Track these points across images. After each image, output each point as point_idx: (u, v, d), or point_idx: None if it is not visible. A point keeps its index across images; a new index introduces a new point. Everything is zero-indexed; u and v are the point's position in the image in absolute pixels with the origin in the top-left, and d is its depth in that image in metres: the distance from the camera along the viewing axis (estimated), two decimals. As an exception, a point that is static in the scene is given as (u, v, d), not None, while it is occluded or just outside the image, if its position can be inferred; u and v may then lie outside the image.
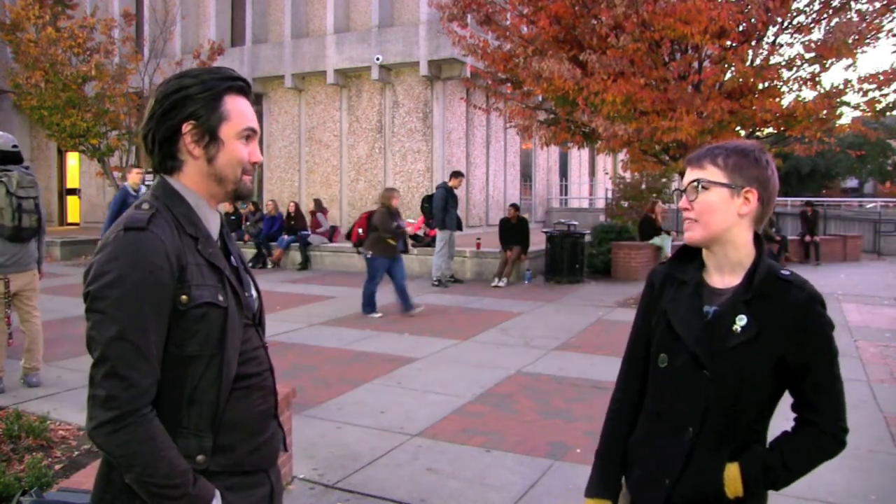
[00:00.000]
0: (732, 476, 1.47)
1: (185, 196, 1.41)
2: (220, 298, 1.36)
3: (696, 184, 1.53)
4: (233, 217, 14.44)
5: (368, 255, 8.57)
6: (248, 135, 1.44)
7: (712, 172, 1.52)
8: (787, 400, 1.57)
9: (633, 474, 1.63)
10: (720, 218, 1.50)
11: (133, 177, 8.62)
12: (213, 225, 1.45)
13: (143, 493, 1.29)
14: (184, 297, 1.31)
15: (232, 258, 1.49)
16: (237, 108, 1.42)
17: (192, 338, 1.33)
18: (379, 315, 8.54)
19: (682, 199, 1.55)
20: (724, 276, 1.55)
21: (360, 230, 9.85)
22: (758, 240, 1.55)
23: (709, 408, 1.49)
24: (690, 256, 1.62)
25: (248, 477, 1.43)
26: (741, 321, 1.46)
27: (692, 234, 1.54)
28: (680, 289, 1.58)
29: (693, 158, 1.57)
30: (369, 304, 8.63)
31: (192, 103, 1.38)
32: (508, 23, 10.51)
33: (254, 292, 1.51)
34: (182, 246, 1.34)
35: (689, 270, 1.60)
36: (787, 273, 1.50)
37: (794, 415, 1.56)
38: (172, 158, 1.41)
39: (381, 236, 8.50)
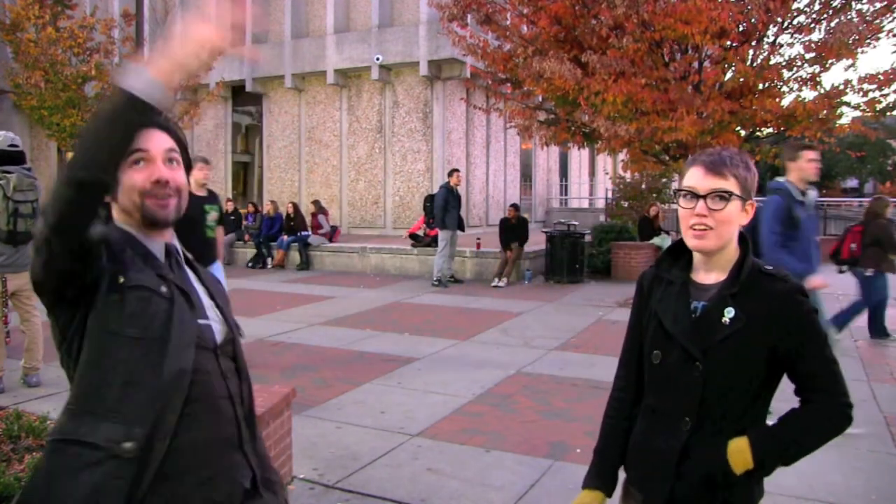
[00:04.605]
0: (741, 448, 1.50)
1: (135, 236, 1.44)
2: (163, 290, 1.37)
3: (723, 194, 1.52)
4: (232, 217, 14.44)
5: (869, 273, 7.19)
6: (138, 157, 1.39)
7: (733, 184, 1.54)
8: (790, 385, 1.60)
9: (636, 470, 1.68)
10: (732, 228, 1.56)
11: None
12: (157, 250, 1.46)
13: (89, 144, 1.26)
14: (121, 278, 1.34)
15: (192, 282, 1.49)
16: None
17: (133, 319, 1.33)
18: None
19: (701, 206, 1.53)
20: (711, 272, 1.61)
21: (853, 245, 7.70)
22: (741, 238, 1.61)
23: (704, 399, 1.54)
24: (676, 256, 1.67)
25: None
26: (729, 313, 1.52)
27: (706, 243, 1.54)
28: (668, 288, 1.64)
29: (712, 166, 1.55)
30: (881, 328, 7.43)
31: None
32: (508, 23, 10.51)
33: (216, 324, 1.47)
34: (126, 252, 1.38)
35: (676, 270, 1.65)
36: (770, 268, 1.57)
37: (796, 399, 1.60)
38: (104, 207, 1.42)
39: (885, 251, 7.20)
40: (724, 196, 1.52)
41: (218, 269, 5.76)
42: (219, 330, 1.47)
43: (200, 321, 1.42)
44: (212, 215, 5.59)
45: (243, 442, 1.45)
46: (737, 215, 1.54)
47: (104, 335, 1.33)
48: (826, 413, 1.54)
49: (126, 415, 1.30)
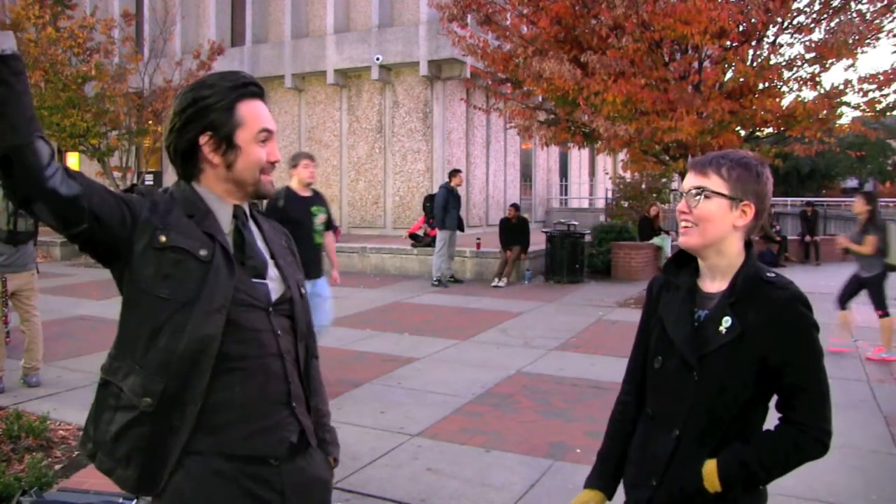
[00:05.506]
0: (709, 471, 1.49)
1: (204, 197, 1.49)
2: (203, 253, 1.40)
3: (698, 191, 1.54)
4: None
5: None
6: (265, 137, 1.50)
7: (715, 182, 1.53)
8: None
9: (629, 474, 1.69)
10: (716, 227, 1.53)
11: None
12: (224, 216, 1.51)
13: None
14: (163, 237, 1.38)
15: (254, 245, 1.53)
16: (251, 113, 1.48)
17: (164, 280, 1.37)
18: None
19: (682, 203, 1.56)
20: (715, 280, 1.59)
21: None
22: (747, 245, 1.58)
23: (694, 408, 1.52)
24: (686, 261, 1.66)
25: (246, 465, 1.41)
26: (726, 322, 1.50)
27: (688, 239, 1.56)
28: (675, 294, 1.63)
29: (697, 164, 1.58)
30: None
31: (207, 114, 1.45)
32: (508, 23, 10.51)
33: (273, 283, 1.52)
34: (174, 213, 1.43)
35: (684, 275, 1.64)
36: (772, 275, 1.53)
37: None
38: (193, 167, 1.50)
39: None
40: (698, 192, 1.53)
41: (324, 285, 5.15)
42: (275, 289, 1.52)
43: (255, 280, 1.48)
44: (319, 218, 5.01)
45: (292, 398, 1.50)
46: (720, 214, 1.52)
47: (137, 291, 1.39)
48: (802, 441, 1.49)
49: (148, 371, 1.37)
